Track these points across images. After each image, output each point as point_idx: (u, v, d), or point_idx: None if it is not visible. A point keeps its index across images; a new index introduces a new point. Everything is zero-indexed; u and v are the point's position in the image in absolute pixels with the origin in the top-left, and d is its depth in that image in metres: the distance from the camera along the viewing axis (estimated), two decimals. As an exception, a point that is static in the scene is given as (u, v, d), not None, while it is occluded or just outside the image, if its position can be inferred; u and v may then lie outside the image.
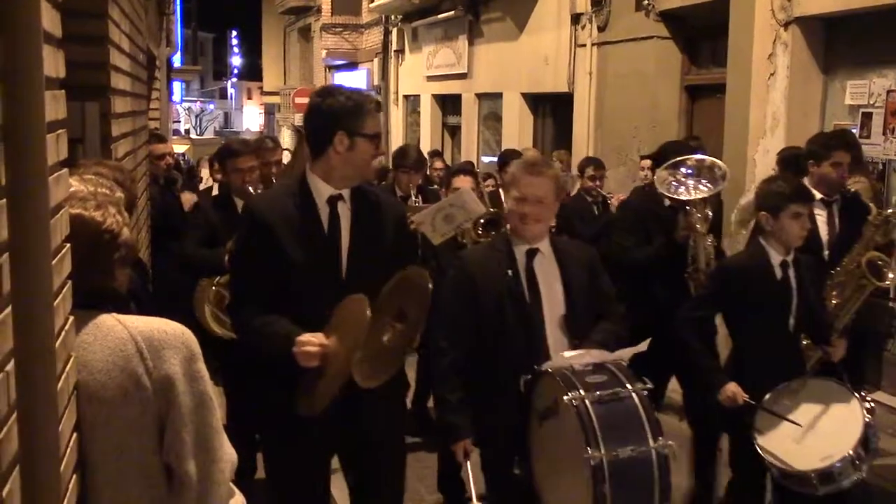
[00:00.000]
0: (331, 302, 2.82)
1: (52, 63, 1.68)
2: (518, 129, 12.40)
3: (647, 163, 8.11)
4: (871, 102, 6.78)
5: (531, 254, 3.25)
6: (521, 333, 3.17)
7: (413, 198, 5.70)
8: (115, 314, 1.95)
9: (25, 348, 1.48)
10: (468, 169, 5.90)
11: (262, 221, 2.92)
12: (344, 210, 3.00)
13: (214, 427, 1.97)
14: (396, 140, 17.47)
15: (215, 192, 5.87)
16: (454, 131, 15.82)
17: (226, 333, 4.36)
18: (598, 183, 7.26)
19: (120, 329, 1.91)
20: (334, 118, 2.91)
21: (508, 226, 3.37)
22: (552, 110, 12.15)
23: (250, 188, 4.58)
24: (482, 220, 4.68)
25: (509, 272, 3.21)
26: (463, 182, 5.15)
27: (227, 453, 2.01)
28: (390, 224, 3.09)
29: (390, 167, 5.98)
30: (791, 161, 5.49)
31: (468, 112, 14.42)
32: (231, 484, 2.03)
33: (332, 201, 2.98)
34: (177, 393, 1.90)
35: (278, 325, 2.86)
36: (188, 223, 6.42)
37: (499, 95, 13.12)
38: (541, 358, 3.10)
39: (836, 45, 7.26)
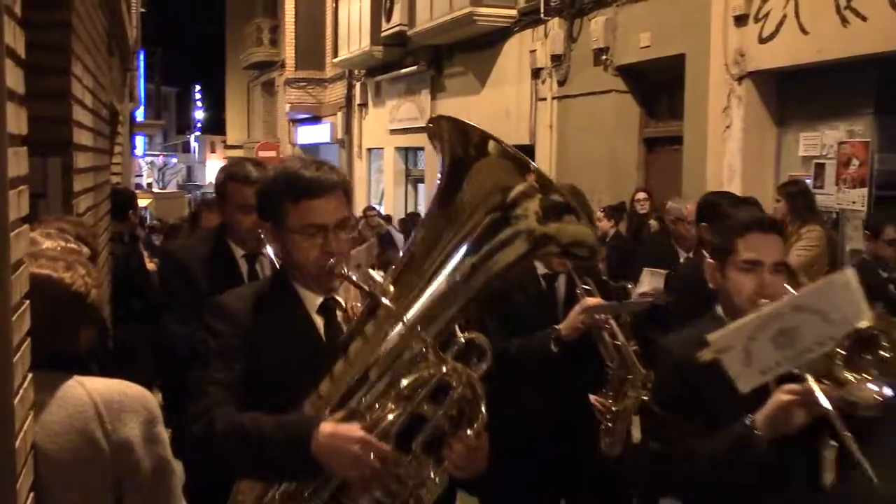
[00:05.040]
0: None
1: (15, 120, 1.68)
2: (481, 182, 12.52)
3: (600, 214, 8.26)
4: (824, 153, 6.96)
5: None
6: None
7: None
8: (76, 376, 1.92)
9: (-17, 407, 1.46)
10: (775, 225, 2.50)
11: None
12: None
13: (172, 491, 1.96)
14: (360, 194, 17.51)
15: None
16: (416, 183, 15.93)
17: None
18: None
19: (80, 391, 1.88)
20: None
21: None
22: (514, 162, 12.29)
23: None
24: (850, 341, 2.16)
25: None
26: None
27: None
28: None
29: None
30: None
31: (431, 164, 14.55)
32: None
33: None
34: (136, 457, 1.88)
35: None
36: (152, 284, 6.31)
37: (462, 148, 13.24)
38: None
39: (788, 99, 7.47)
